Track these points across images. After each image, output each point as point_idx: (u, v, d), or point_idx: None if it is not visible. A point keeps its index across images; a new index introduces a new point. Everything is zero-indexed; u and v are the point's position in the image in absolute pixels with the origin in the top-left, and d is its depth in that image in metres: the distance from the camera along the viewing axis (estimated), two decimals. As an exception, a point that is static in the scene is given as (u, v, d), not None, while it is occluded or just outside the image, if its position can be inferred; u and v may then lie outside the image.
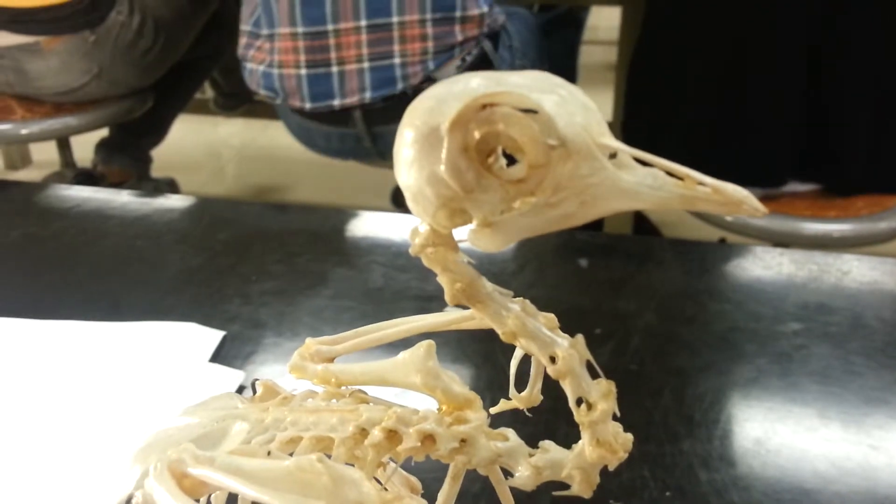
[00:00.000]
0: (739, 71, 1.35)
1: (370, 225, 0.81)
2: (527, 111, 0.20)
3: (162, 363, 0.61)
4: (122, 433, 0.55)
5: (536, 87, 0.20)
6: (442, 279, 0.27)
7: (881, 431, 0.53)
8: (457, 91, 0.20)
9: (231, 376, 0.60)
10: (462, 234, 0.22)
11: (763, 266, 0.71)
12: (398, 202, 1.95)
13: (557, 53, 1.88)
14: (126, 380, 0.60)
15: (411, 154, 0.21)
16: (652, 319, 0.65)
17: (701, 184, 0.20)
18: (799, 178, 1.39)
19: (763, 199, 1.38)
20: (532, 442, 0.32)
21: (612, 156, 0.21)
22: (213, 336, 0.64)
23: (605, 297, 0.68)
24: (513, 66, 1.53)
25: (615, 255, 0.74)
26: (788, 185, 1.39)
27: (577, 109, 0.20)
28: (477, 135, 0.20)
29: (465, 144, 0.20)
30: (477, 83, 0.20)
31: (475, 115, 0.20)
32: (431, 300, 0.68)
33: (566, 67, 1.99)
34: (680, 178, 0.20)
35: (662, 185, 0.20)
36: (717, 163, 1.35)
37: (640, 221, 1.95)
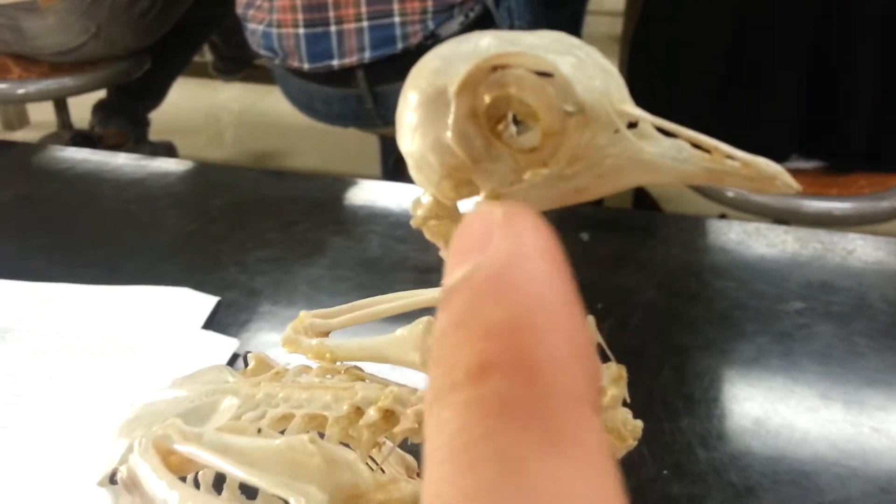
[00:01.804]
0: (743, 45, 1.33)
1: (368, 194, 0.80)
2: (541, 74, 0.18)
3: (154, 328, 0.60)
4: (112, 399, 0.54)
5: (552, 47, 0.19)
6: (445, 254, 0.26)
7: (883, 413, 0.52)
8: (466, 51, 0.19)
9: (225, 344, 0.59)
10: (468, 206, 0.21)
11: (767, 243, 0.70)
12: (398, 170, 1.93)
13: (562, 24, 1.86)
14: (118, 344, 0.59)
15: (415, 119, 0.20)
16: (653, 295, 0.64)
17: (730, 157, 0.19)
18: (802, 154, 1.38)
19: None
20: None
21: (633, 125, 0.19)
22: (207, 302, 0.63)
23: (607, 272, 0.67)
24: (511, 28, 1.52)
25: (617, 229, 0.73)
26: (792, 162, 1.37)
27: (595, 73, 0.19)
28: (487, 99, 0.19)
29: (474, 109, 0.19)
30: (488, 42, 0.19)
31: (485, 78, 0.18)
32: (430, 271, 0.67)
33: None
34: (707, 151, 0.19)
35: (688, 157, 0.19)
36: (720, 136, 1.34)
37: (641, 196, 1.93)
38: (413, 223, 0.23)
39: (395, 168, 2.02)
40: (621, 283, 0.66)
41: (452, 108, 0.19)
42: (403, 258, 0.69)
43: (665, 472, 0.48)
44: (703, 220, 0.76)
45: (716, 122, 1.36)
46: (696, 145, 0.19)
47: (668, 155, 0.19)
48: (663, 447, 0.50)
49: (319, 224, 0.75)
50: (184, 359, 0.57)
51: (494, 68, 0.18)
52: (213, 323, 0.62)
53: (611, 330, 0.60)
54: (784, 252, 0.69)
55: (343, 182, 0.83)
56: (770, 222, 1.17)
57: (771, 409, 0.53)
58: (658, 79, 1.41)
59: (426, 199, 0.23)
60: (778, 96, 1.33)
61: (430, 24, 1.37)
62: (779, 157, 1.37)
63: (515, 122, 0.20)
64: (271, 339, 0.59)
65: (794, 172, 1.34)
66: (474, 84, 0.18)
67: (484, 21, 1.45)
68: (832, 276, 0.66)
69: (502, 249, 0.15)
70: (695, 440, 0.50)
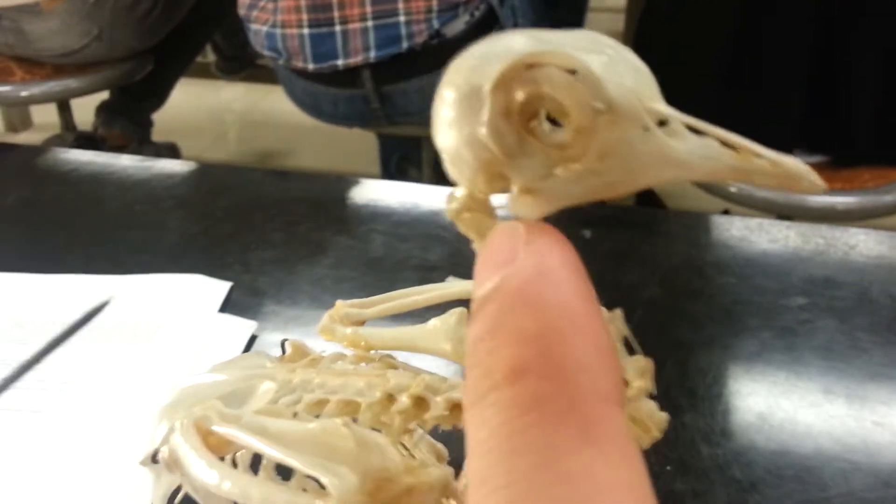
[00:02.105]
0: (746, 39, 1.33)
1: (371, 193, 0.81)
2: (573, 72, 0.19)
3: (172, 314, 0.62)
4: (137, 383, 0.55)
5: (584, 46, 0.19)
6: (477, 247, 0.26)
7: (885, 408, 0.53)
8: (500, 50, 0.19)
9: (243, 326, 0.60)
10: (500, 200, 0.21)
11: (769, 239, 0.71)
12: (401, 169, 1.93)
13: (563, 21, 1.86)
14: (137, 330, 0.60)
15: (451, 115, 0.20)
16: (656, 292, 0.64)
17: (758, 155, 0.19)
18: (806, 149, 1.38)
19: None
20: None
21: (663, 122, 0.20)
22: (221, 287, 0.64)
23: (609, 269, 0.67)
24: (515, 26, 1.52)
25: (619, 226, 0.73)
26: (794, 157, 1.37)
27: (626, 71, 0.19)
28: (520, 96, 0.19)
29: (508, 106, 0.19)
30: (522, 42, 0.19)
31: (519, 76, 0.19)
32: (433, 270, 0.67)
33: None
34: (735, 149, 0.19)
35: (716, 155, 0.19)
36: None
37: (644, 192, 1.93)
38: (448, 215, 0.24)
39: (398, 167, 2.02)
40: (624, 280, 0.66)
41: (487, 105, 0.19)
42: (406, 257, 0.69)
43: (668, 467, 0.48)
44: (704, 216, 0.76)
45: (718, 120, 1.36)
46: (725, 143, 0.20)
47: (697, 153, 0.19)
48: (666, 443, 0.50)
49: (323, 224, 0.75)
50: (204, 342, 0.58)
51: (528, 67, 0.19)
52: (227, 307, 0.63)
53: (613, 327, 0.60)
54: (786, 247, 0.70)
55: (346, 181, 0.84)
56: (773, 217, 1.17)
57: (774, 405, 0.53)
58: (660, 76, 1.41)
59: (460, 192, 0.23)
60: (780, 95, 1.33)
61: (435, 23, 1.37)
62: (782, 152, 1.37)
63: (551, 119, 0.20)
64: (276, 340, 0.60)
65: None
66: (508, 82, 0.19)
67: (489, 20, 1.45)
68: (834, 271, 0.66)
69: (529, 262, 0.17)
70: (698, 436, 0.50)
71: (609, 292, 0.68)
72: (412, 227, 0.73)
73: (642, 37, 1.48)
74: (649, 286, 0.65)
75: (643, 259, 0.69)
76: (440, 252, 0.70)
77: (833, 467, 0.48)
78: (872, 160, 1.37)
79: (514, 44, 0.19)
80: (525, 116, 0.20)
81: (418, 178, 1.80)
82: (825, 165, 1.38)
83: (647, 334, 0.61)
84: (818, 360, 0.57)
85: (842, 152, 1.37)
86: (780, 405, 0.53)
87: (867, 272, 0.66)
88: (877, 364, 0.56)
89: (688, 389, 0.54)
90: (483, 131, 0.19)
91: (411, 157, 1.85)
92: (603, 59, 0.19)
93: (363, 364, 0.32)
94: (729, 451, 0.49)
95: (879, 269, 0.66)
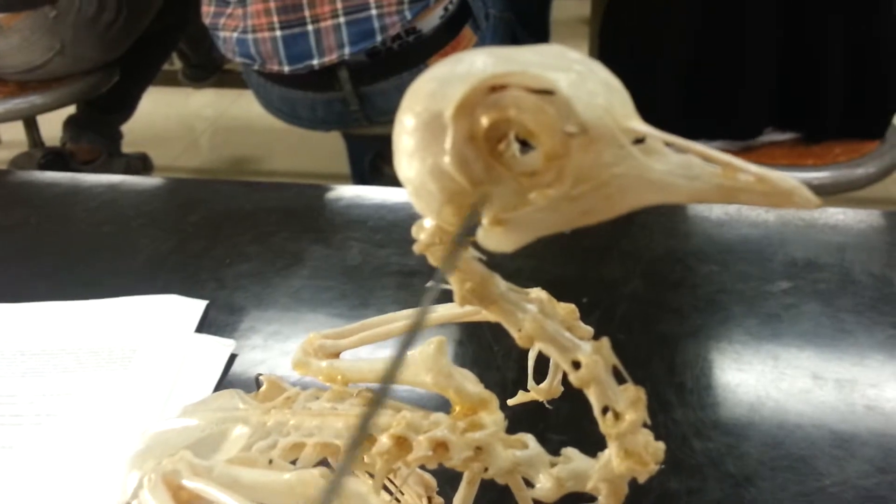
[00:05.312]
0: (714, 22, 1.33)
1: (345, 200, 0.79)
2: (541, 91, 0.17)
3: (147, 336, 0.60)
4: (114, 410, 0.54)
5: (551, 64, 0.18)
6: (451, 279, 0.25)
7: (875, 391, 0.52)
8: (461, 72, 0.18)
9: (221, 346, 0.59)
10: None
11: (748, 224, 0.70)
12: (375, 168, 1.92)
13: (530, 7, 1.85)
14: (112, 355, 0.59)
15: (412, 144, 0.19)
16: (638, 286, 0.64)
17: (743, 171, 0.18)
18: (777, 126, 1.38)
19: (741, 151, 1.37)
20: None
21: (640, 140, 0.18)
22: (197, 306, 0.63)
23: (591, 265, 0.67)
24: (487, 17, 1.52)
25: (598, 219, 0.73)
26: (767, 135, 1.37)
27: (597, 88, 0.18)
28: (485, 121, 0.18)
29: (472, 132, 0.18)
30: (483, 62, 0.18)
31: (482, 100, 0.17)
32: (413, 275, 0.66)
33: (539, 21, 1.96)
34: (719, 165, 0.18)
35: (699, 174, 0.18)
36: (693, 115, 1.34)
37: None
38: (416, 248, 0.22)
39: (372, 165, 2.00)
40: (606, 275, 0.65)
41: (450, 132, 0.18)
42: (385, 263, 0.68)
43: (662, 466, 0.47)
44: (681, 205, 0.75)
45: (690, 100, 1.35)
46: (707, 160, 0.18)
47: (677, 172, 0.18)
48: (658, 441, 0.49)
49: (297, 233, 0.74)
50: (181, 364, 0.57)
51: (492, 89, 0.17)
52: (204, 326, 0.61)
53: (598, 323, 0.59)
54: (766, 232, 0.69)
55: (318, 189, 0.82)
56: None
57: (764, 394, 0.53)
58: (630, 59, 1.41)
59: (429, 223, 0.22)
60: (751, 72, 1.33)
61: (408, 14, 1.36)
62: (754, 132, 1.37)
63: (520, 140, 0.19)
64: (256, 357, 0.58)
65: (770, 145, 1.34)
66: (471, 107, 0.18)
67: (463, 13, 1.44)
68: (816, 252, 0.66)
69: None
70: (689, 432, 0.50)
71: (592, 288, 0.67)
72: (389, 233, 0.72)
73: (609, 22, 1.47)
74: (631, 280, 0.64)
75: (624, 252, 0.68)
76: (419, 257, 0.68)
77: (827, 456, 0.48)
78: (843, 134, 1.37)
79: (475, 64, 0.18)
80: (492, 141, 0.18)
81: (392, 176, 1.79)
82: (797, 142, 1.38)
83: (631, 329, 0.60)
84: (805, 345, 0.56)
85: (813, 127, 1.37)
86: (769, 394, 0.52)
87: (848, 252, 0.66)
88: (863, 346, 0.56)
89: (676, 384, 0.54)
90: (447, 160, 0.18)
91: (385, 155, 1.84)
92: (571, 76, 0.18)
93: (344, 399, 0.31)
94: (722, 446, 0.49)
95: (860, 248, 0.66)
